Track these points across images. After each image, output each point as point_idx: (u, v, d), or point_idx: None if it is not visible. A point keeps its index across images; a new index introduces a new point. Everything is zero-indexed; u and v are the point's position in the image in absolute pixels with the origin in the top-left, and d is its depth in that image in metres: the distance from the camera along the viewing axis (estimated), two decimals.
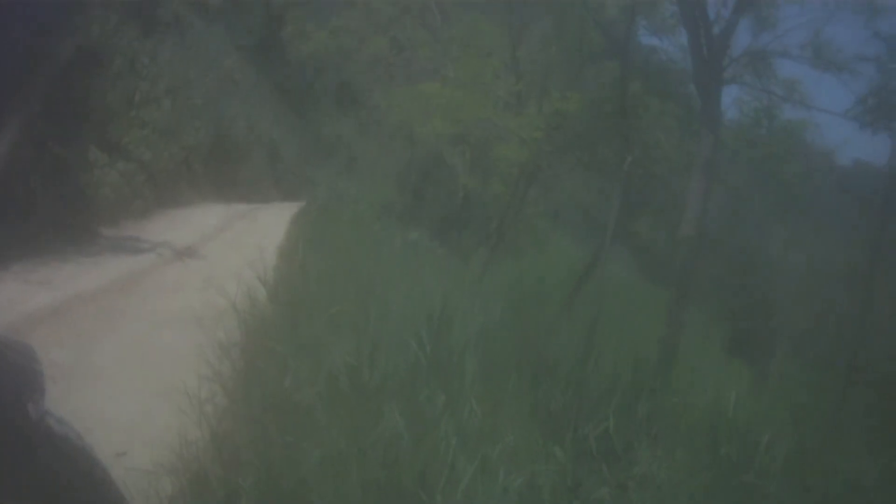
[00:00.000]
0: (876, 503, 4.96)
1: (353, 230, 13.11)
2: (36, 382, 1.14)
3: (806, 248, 30.14)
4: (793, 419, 5.50)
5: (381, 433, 4.14)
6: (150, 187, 15.39)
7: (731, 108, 24.68)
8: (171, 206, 16.30)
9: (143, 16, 14.62)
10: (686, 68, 20.30)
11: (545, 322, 8.36)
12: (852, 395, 11.28)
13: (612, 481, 4.04)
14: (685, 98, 21.38)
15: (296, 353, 5.34)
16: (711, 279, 24.51)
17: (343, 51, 25.35)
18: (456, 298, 7.55)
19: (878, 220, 16.09)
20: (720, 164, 17.40)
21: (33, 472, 1.07)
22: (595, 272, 18.58)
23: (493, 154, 18.93)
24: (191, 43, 21.36)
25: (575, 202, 25.39)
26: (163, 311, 8.63)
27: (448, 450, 3.96)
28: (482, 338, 6.46)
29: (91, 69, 12.96)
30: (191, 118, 19.56)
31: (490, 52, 22.42)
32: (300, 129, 29.97)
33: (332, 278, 7.77)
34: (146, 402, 5.65)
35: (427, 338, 5.55)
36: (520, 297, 11.60)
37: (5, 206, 9.03)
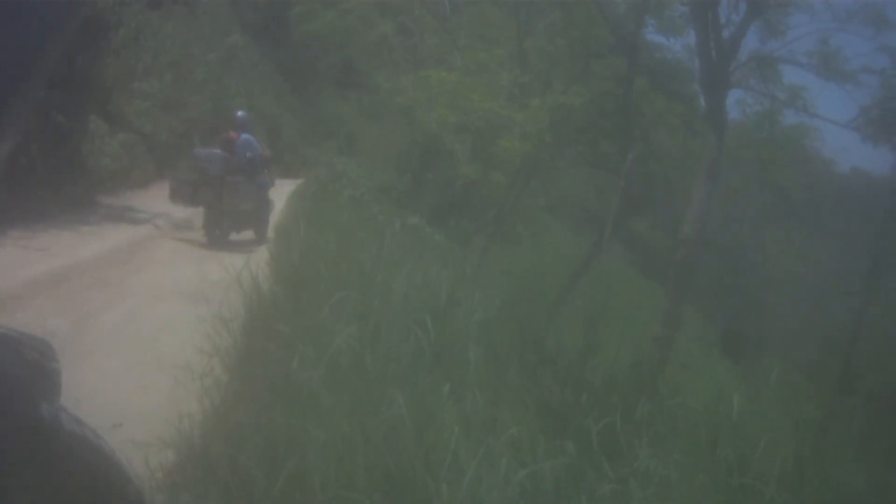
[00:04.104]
0: None
1: (352, 211, 13.06)
2: (50, 380, 1.09)
3: (802, 254, 30.22)
4: (787, 424, 5.51)
5: (385, 419, 4.13)
6: (149, 158, 15.36)
7: (733, 108, 24.68)
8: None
9: None
10: (691, 68, 20.34)
11: (542, 314, 8.37)
12: (844, 402, 11.32)
13: (614, 477, 4.05)
14: (689, 98, 21.40)
15: (300, 333, 5.31)
16: (706, 279, 24.55)
17: (348, 32, 25.26)
18: (457, 286, 7.52)
19: (876, 230, 16.16)
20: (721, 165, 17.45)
21: (45, 475, 1.03)
22: (591, 266, 18.64)
23: (496, 144, 18.90)
24: (196, 18, 21.27)
25: (574, 196, 25.40)
26: (158, 282, 8.61)
27: (451, 438, 3.95)
28: (483, 327, 6.45)
29: (95, 40, 12.89)
30: (192, 92, 19.53)
31: (497, 43, 22.40)
32: (301, 108, 29.90)
33: (334, 258, 7.73)
34: (142, 374, 5.63)
35: (431, 325, 5.53)
36: (517, 287, 11.59)
37: (6, 172, 8.97)
